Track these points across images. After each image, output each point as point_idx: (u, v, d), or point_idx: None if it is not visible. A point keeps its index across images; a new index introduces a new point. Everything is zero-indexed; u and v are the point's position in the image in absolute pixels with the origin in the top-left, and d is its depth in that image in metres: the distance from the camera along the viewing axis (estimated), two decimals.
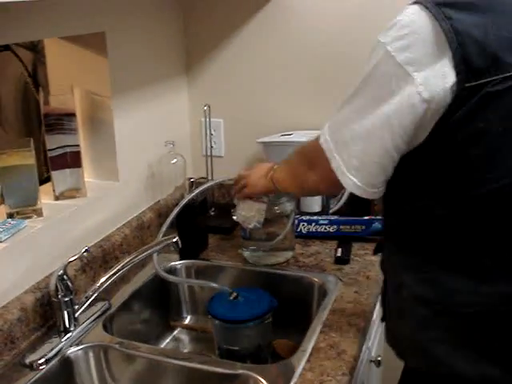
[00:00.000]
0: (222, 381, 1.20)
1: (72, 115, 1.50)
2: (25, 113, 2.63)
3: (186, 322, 1.67)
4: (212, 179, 1.91)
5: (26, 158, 1.38)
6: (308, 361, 1.21)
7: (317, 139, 1.13)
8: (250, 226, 1.56)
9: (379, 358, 1.66)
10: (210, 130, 1.90)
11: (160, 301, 1.62)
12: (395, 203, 1.10)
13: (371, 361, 1.63)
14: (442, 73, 0.93)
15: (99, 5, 1.51)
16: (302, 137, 1.83)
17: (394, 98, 0.96)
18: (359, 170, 1.04)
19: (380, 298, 1.27)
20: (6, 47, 2.38)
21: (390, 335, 1.17)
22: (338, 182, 1.07)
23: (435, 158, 0.99)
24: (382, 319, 1.22)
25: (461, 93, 0.92)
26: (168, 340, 1.60)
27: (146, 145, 1.78)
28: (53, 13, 1.36)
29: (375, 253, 1.46)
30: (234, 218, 1.59)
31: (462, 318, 1.01)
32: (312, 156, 1.19)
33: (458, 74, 0.91)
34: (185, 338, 1.62)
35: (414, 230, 1.06)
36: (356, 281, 1.53)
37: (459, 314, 1.02)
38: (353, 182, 1.05)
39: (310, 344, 1.26)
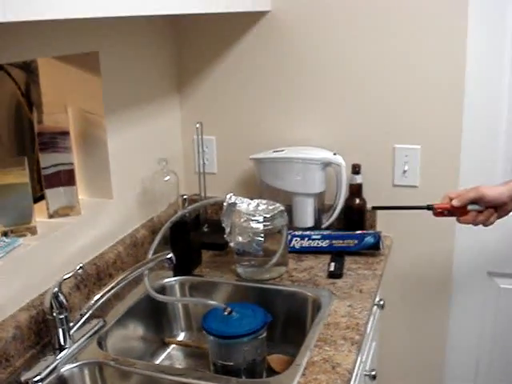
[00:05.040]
0: None
1: (66, 133, 1.51)
2: (17, 132, 2.64)
3: (181, 338, 1.68)
4: (205, 196, 1.93)
5: (21, 177, 1.39)
6: (303, 374, 1.21)
7: None
8: (250, 250, 1.57)
9: (373, 373, 1.66)
10: (203, 147, 1.92)
11: (154, 318, 1.62)
12: None
13: (366, 375, 1.64)
14: None
15: (92, 25, 1.53)
16: (293, 153, 1.85)
17: None
18: None
19: None
20: None
21: None
22: None
23: None
24: None
25: None
26: (163, 357, 1.60)
27: (139, 162, 1.79)
28: (46, 32, 1.38)
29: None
30: (232, 245, 1.60)
31: None
32: None
33: None
34: (179, 354, 1.62)
35: None
36: (349, 295, 1.54)
37: None
38: None
39: (304, 358, 1.27)
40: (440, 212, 1.47)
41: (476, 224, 1.44)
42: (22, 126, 2.60)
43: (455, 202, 1.43)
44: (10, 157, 2.49)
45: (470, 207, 1.43)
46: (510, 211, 1.43)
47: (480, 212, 1.42)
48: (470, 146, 1.82)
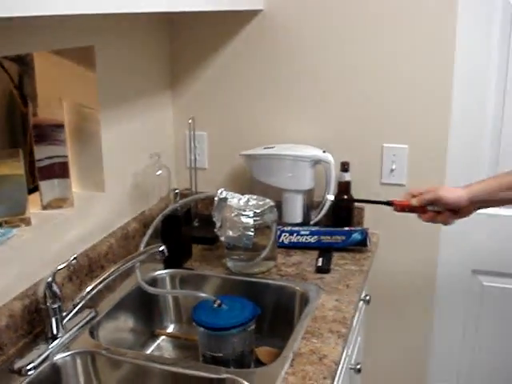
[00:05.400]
0: None
1: (61, 126, 1.53)
2: (10, 124, 2.65)
3: (170, 330, 1.70)
4: (196, 191, 1.95)
5: (16, 168, 1.41)
6: (291, 365, 1.25)
7: None
8: (241, 245, 1.60)
9: (359, 366, 1.70)
10: (195, 142, 1.94)
11: (144, 310, 1.65)
12: None
13: (351, 368, 1.68)
14: None
15: (88, 20, 1.55)
16: (284, 150, 1.88)
17: None
18: None
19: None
20: None
21: None
22: None
23: None
24: None
25: None
26: (152, 348, 1.63)
27: (131, 156, 1.82)
28: (42, 27, 1.39)
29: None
30: (222, 239, 1.63)
31: None
32: None
33: None
34: (169, 346, 1.65)
35: None
36: (337, 289, 1.57)
37: None
38: None
39: (292, 350, 1.30)
40: (401, 208, 1.49)
41: (435, 223, 1.47)
42: (14, 118, 2.60)
43: (413, 202, 1.45)
44: (1, 149, 2.50)
45: (429, 207, 1.45)
46: (471, 213, 1.45)
47: (439, 212, 1.45)
48: (457, 146, 1.86)
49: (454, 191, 1.42)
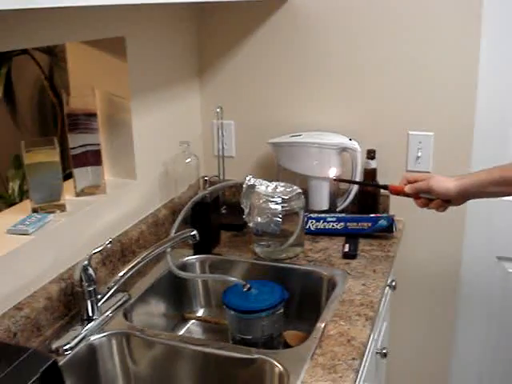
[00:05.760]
0: (238, 365, 1.28)
1: (93, 115, 1.57)
2: (40, 114, 2.71)
3: (200, 314, 1.74)
4: (223, 178, 1.99)
5: (51, 156, 1.46)
6: (319, 347, 1.28)
7: None
8: (269, 230, 1.63)
9: (384, 351, 1.72)
10: (222, 131, 1.97)
11: (174, 294, 1.69)
12: None
13: (377, 352, 1.70)
14: None
15: (119, 11, 1.59)
16: (310, 138, 1.90)
17: None
18: None
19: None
20: (24, 50, 2.45)
21: None
22: None
23: None
24: None
25: None
26: (182, 331, 1.67)
27: (161, 145, 1.85)
28: (75, 18, 1.43)
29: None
30: (250, 225, 1.66)
31: None
32: None
33: None
34: (198, 329, 1.69)
35: None
36: (363, 274, 1.60)
37: None
38: None
39: (320, 331, 1.33)
40: (395, 193, 1.53)
41: (429, 208, 1.50)
42: (45, 108, 2.67)
43: (407, 189, 1.49)
44: (33, 138, 2.56)
45: (421, 194, 1.48)
46: (462, 203, 1.47)
47: (431, 200, 1.47)
48: (483, 133, 1.87)
49: (444, 183, 1.43)
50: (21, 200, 2.63)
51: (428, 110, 1.89)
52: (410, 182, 1.49)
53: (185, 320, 1.70)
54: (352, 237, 1.81)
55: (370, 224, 1.81)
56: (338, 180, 1.72)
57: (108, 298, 1.41)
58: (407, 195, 1.50)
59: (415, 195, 1.48)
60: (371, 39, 1.89)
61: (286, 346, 1.49)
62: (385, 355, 1.73)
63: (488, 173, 1.39)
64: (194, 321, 1.71)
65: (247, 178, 1.66)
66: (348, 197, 1.93)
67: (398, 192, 1.52)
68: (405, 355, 2.14)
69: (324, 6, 1.90)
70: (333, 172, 1.67)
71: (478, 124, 1.86)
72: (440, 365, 2.13)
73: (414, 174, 1.52)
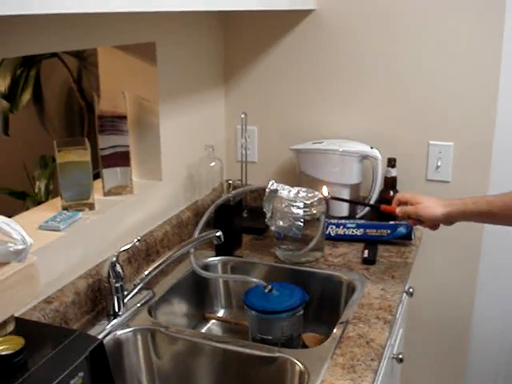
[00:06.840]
0: (259, 363, 1.31)
1: (124, 117, 1.62)
2: (67, 116, 2.77)
3: (220, 314, 1.78)
4: (246, 183, 2.03)
5: (82, 155, 1.50)
6: (339, 347, 1.31)
7: None
8: (290, 234, 1.67)
9: (401, 356, 1.75)
10: (246, 136, 2.01)
11: (196, 294, 1.73)
12: None
13: (393, 357, 1.73)
14: None
15: (150, 17, 1.64)
16: (332, 145, 1.94)
17: None
18: None
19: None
20: (53, 54, 2.52)
21: None
22: None
23: None
24: None
25: None
26: (203, 330, 1.70)
27: (186, 148, 1.90)
28: (107, 23, 1.48)
29: None
30: (272, 228, 1.70)
31: None
32: None
33: None
34: (218, 329, 1.72)
35: None
36: (382, 279, 1.63)
37: None
38: None
39: (340, 333, 1.37)
40: (387, 213, 1.65)
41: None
42: (72, 111, 2.73)
43: (397, 211, 1.58)
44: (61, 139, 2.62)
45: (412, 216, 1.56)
46: (450, 224, 1.52)
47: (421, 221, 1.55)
48: (502, 144, 1.89)
49: (431, 209, 1.49)
50: (47, 199, 2.70)
51: (448, 120, 1.92)
52: (401, 202, 1.57)
53: (205, 320, 1.74)
54: (371, 243, 1.84)
55: (389, 231, 1.84)
56: (333, 198, 1.76)
57: (133, 295, 1.45)
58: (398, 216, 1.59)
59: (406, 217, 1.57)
60: (396, 50, 1.93)
61: (304, 347, 1.52)
62: (401, 360, 1.75)
63: (475, 202, 1.44)
64: (214, 321, 1.74)
65: (270, 183, 1.70)
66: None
67: (390, 213, 1.62)
68: (418, 363, 2.16)
69: (347, 18, 1.95)
70: (325, 190, 1.72)
71: (498, 134, 1.89)
72: (454, 375, 2.15)
73: (406, 195, 1.59)
